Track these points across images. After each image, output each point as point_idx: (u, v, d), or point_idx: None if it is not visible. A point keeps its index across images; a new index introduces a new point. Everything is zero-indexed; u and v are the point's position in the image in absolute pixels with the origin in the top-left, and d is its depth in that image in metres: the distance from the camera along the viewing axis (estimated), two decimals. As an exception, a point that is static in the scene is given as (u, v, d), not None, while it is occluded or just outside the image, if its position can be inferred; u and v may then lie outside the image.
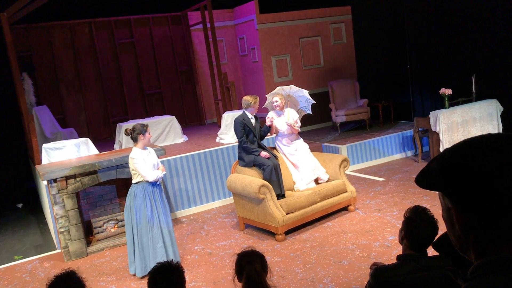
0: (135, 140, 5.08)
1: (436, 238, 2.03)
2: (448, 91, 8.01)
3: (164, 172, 5.26)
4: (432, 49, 9.61)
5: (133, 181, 5.12)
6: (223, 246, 5.89)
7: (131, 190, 5.12)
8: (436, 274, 2.24)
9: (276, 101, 6.44)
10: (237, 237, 6.15)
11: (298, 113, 6.74)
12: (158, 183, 5.16)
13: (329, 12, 11.38)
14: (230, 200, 7.46)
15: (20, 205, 9.19)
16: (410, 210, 2.59)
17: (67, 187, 5.97)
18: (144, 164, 4.99)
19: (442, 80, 9.03)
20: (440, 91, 8.11)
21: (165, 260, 4.91)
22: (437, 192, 1.04)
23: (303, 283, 4.66)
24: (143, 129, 5.07)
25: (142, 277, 5.11)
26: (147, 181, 5.03)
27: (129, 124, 8.58)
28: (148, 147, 5.22)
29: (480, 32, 8.65)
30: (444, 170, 0.96)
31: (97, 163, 6.10)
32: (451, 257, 1.94)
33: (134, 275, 5.24)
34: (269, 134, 6.70)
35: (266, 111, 6.86)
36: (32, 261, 6.19)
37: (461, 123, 8.07)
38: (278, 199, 5.95)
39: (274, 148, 6.73)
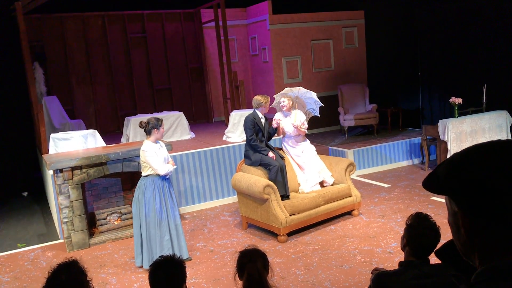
0: (148, 133, 5.11)
1: (439, 245, 2.02)
2: (459, 100, 7.97)
3: (175, 167, 5.29)
4: (444, 57, 9.57)
5: (143, 174, 5.15)
6: (225, 244, 5.89)
7: (141, 182, 5.15)
8: (439, 281, 2.22)
9: (283, 102, 6.44)
10: (239, 236, 6.15)
11: (305, 115, 6.72)
12: (167, 177, 5.18)
13: (342, 16, 11.36)
14: (234, 198, 7.46)
15: (25, 194, 9.24)
16: (412, 217, 2.57)
17: (72, 178, 6.00)
18: (156, 157, 5.02)
19: (452, 89, 8.99)
20: (450, 100, 8.07)
21: (171, 253, 4.95)
22: (444, 197, 1.03)
23: (303, 285, 4.65)
24: (158, 124, 5.10)
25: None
26: (157, 175, 5.06)
27: (138, 118, 8.61)
28: (159, 141, 5.25)
29: (493, 42, 8.60)
30: (452, 174, 0.96)
31: (104, 155, 6.13)
32: (454, 265, 1.93)
33: (141, 267, 5.26)
34: (276, 135, 6.70)
35: (274, 111, 6.86)
36: (35, 250, 6.23)
37: (470, 133, 8.03)
38: (282, 200, 5.94)
39: (281, 149, 6.72)
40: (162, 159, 5.10)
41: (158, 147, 5.15)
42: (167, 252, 4.98)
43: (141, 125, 5.16)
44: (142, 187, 5.10)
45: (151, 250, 5.13)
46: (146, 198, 5.06)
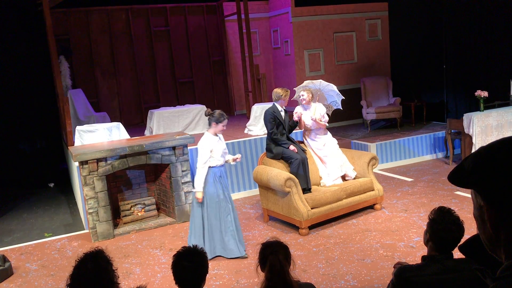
0: (209, 123, 5.24)
1: (463, 240, 2.01)
2: (484, 94, 7.82)
3: (234, 163, 5.48)
4: (469, 50, 9.38)
5: None
6: (247, 237, 5.93)
7: None
8: (462, 276, 2.21)
9: (303, 95, 6.42)
10: (261, 229, 6.18)
11: (327, 108, 6.69)
12: (223, 166, 5.30)
13: (365, 8, 11.22)
14: (255, 191, 7.49)
15: (51, 185, 9.45)
16: (435, 211, 2.54)
17: (97, 169, 6.11)
18: (208, 154, 5.11)
19: (478, 82, 8.82)
20: (476, 93, 7.92)
21: (235, 244, 5.10)
22: (468, 191, 1.03)
23: (324, 278, 4.66)
24: (220, 119, 5.19)
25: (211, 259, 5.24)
26: (215, 166, 5.16)
27: (161, 111, 8.71)
28: (219, 134, 5.32)
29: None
30: (478, 168, 0.96)
31: (128, 148, 6.22)
32: (478, 261, 1.91)
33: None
34: (297, 128, 6.69)
35: (295, 103, 6.84)
36: (61, 239, 6.38)
37: (496, 126, 7.87)
38: (304, 193, 5.95)
39: (302, 142, 6.72)
40: (220, 152, 5.19)
41: (217, 139, 5.24)
42: (233, 243, 5.17)
43: (206, 113, 5.30)
44: (206, 178, 5.19)
45: (213, 240, 5.24)
46: (208, 190, 5.16)
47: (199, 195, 5.15)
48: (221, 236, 5.25)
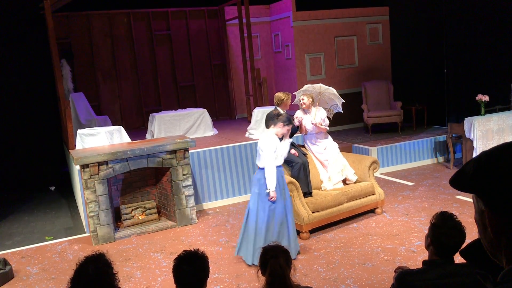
0: (274, 123, 5.10)
1: (464, 245, 2.00)
2: (485, 98, 7.83)
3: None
4: (470, 54, 9.39)
5: (260, 166, 5.07)
6: (247, 241, 5.92)
7: (259, 176, 5.05)
8: (463, 281, 2.20)
9: (303, 100, 6.42)
10: (262, 233, 6.17)
11: (328, 112, 6.69)
12: (281, 167, 5.13)
13: (366, 12, 11.25)
14: (256, 195, 7.48)
15: (52, 188, 9.45)
16: (437, 216, 2.54)
17: (98, 173, 6.12)
18: (273, 153, 4.95)
19: (479, 86, 8.82)
20: (477, 97, 7.93)
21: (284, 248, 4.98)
22: (469, 195, 1.03)
23: (325, 283, 4.65)
24: (287, 122, 5.05)
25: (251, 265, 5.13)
26: (276, 167, 4.98)
27: (162, 115, 8.73)
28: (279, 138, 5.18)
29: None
30: (479, 172, 0.96)
31: (129, 151, 6.23)
32: (479, 265, 1.91)
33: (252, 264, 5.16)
34: (298, 132, 6.69)
35: (296, 107, 6.85)
36: (62, 243, 6.38)
37: (497, 131, 7.87)
38: (305, 197, 5.94)
39: (303, 146, 6.72)
40: (282, 152, 5.06)
41: (277, 139, 5.08)
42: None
43: (275, 113, 5.15)
44: (263, 181, 5.00)
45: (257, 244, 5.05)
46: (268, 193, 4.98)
47: (273, 194, 4.95)
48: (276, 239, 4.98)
